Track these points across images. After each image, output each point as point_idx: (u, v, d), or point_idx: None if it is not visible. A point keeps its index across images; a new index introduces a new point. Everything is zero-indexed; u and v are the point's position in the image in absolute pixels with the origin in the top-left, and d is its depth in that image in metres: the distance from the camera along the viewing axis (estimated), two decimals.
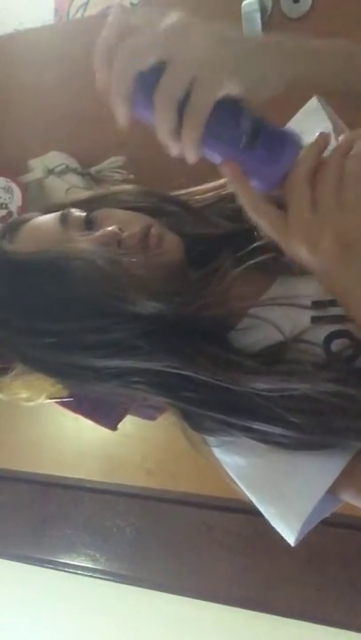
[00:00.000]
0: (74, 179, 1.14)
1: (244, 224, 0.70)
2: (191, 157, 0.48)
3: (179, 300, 0.60)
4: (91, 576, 1.45)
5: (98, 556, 1.44)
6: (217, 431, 0.62)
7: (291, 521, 0.60)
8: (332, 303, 0.61)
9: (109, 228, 0.62)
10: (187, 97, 0.46)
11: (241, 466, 0.63)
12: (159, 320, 0.59)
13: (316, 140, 0.51)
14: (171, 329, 0.60)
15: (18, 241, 0.66)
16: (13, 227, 0.68)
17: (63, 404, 1.21)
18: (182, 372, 0.59)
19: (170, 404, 0.64)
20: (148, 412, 1.14)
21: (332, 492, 0.59)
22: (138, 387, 0.62)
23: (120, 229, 0.62)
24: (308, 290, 0.63)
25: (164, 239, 0.63)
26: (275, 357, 0.61)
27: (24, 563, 1.54)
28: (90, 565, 1.45)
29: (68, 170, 1.15)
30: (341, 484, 0.59)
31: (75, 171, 1.15)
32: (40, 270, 0.61)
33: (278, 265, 0.66)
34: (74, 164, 1.18)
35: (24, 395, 1.15)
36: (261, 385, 0.58)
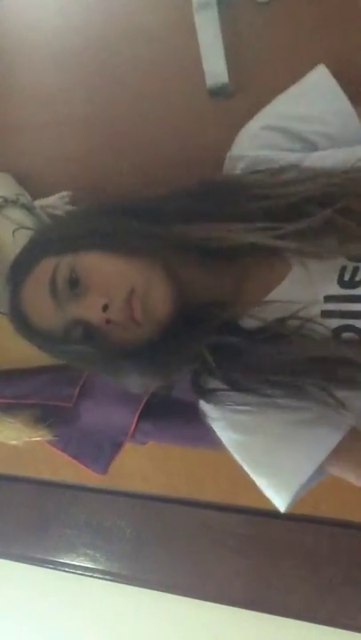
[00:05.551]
0: (17, 214, 1.01)
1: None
2: None
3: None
4: (91, 576, 1.46)
5: (98, 555, 1.44)
6: (220, 396, 0.68)
7: (282, 492, 0.66)
8: (346, 299, 0.65)
9: (93, 309, 0.65)
10: None
11: (238, 441, 0.69)
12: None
13: None
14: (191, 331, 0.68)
15: (25, 304, 0.71)
16: (17, 282, 0.71)
17: (52, 444, 1.25)
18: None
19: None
20: (140, 439, 1.20)
21: (322, 467, 0.65)
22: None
23: (105, 304, 0.64)
24: (322, 283, 0.67)
25: (150, 300, 0.65)
26: (284, 330, 0.66)
27: (24, 563, 1.54)
28: (90, 565, 1.45)
29: (6, 203, 1.01)
30: (332, 459, 0.64)
31: (15, 203, 1.02)
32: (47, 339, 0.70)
33: (295, 255, 0.69)
34: (11, 191, 1.04)
35: (5, 434, 1.20)
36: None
